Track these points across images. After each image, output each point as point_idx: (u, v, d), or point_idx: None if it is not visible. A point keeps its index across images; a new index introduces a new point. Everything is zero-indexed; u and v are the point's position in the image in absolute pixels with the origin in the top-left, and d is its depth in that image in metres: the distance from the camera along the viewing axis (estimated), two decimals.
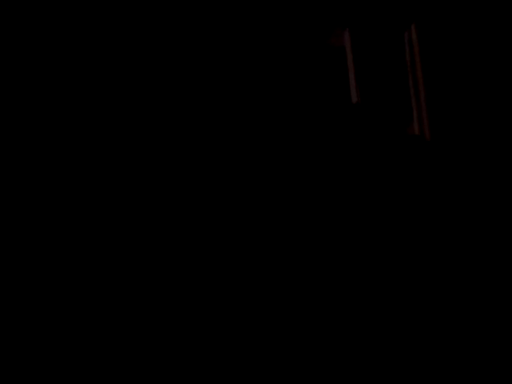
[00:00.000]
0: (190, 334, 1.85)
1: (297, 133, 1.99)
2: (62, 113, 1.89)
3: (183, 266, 1.89)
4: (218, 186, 1.93)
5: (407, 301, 1.92)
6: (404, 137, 2.00)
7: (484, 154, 1.99)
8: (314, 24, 2.04)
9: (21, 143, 1.86)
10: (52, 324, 1.81)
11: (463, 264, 1.94)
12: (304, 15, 2.03)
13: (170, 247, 1.89)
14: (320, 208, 1.96)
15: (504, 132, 2.00)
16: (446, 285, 1.92)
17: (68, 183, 1.87)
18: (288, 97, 2.00)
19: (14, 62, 1.87)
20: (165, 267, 1.88)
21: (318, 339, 1.88)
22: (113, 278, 1.86)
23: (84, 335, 1.81)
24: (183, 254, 1.89)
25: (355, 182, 1.98)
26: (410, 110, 2.03)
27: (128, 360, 1.82)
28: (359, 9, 2.05)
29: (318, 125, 2.00)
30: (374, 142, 2.01)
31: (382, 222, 1.95)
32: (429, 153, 1.99)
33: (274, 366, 1.85)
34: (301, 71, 2.02)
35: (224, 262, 1.90)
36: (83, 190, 1.87)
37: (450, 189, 1.97)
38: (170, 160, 1.92)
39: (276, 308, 1.89)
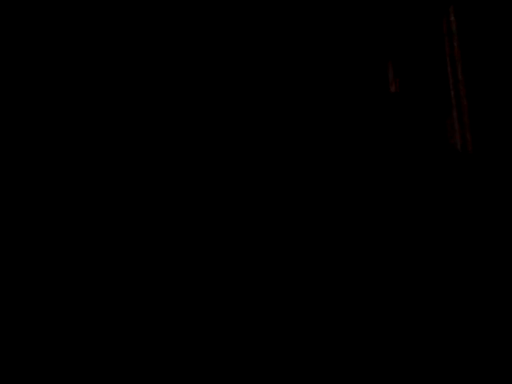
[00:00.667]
0: (190, 334, 1.84)
1: (333, 122, 2.00)
2: (62, 113, 1.89)
3: (183, 266, 1.88)
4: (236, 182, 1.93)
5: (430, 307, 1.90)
6: (446, 148, 1.99)
7: None
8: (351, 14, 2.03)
9: (21, 143, 1.85)
10: (52, 324, 1.81)
11: (500, 276, 1.91)
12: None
13: (170, 247, 1.88)
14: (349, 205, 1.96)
15: None
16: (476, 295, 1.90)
17: (68, 183, 1.86)
18: (326, 85, 2.01)
19: (14, 62, 1.87)
20: (165, 267, 1.87)
21: (318, 339, 1.86)
22: (113, 277, 1.84)
23: (84, 335, 1.80)
24: (183, 254, 1.88)
25: (389, 185, 1.99)
26: (451, 118, 1.97)
27: (128, 360, 1.80)
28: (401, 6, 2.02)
29: (356, 115, 2.01)
30: (414, 148, 2.00)
31: (418, 231, 1.95)
32: (470, 165, 1.96)
33: (274, 366, 1.83)
34: (340, 61, 2.03)
35: (224, 261, 1.89)
36: (83, 190, 1.87)
37: (491, 201, 1.95)
38: (176, 160, 1.92)
39: (276, 308, 1.88)
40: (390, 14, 2.05)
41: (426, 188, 1.97)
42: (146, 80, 1.91)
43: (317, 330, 1.86)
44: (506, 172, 1.93)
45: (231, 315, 1.85)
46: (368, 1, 2.04)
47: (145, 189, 1.88)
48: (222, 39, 1.97)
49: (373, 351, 1.85)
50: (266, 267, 1.89)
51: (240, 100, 1.97)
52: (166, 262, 1.85)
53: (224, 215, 1.89)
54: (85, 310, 1.80)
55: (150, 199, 1.87)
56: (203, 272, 1.86)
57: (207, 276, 1.86)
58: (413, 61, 2.06)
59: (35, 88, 1.86)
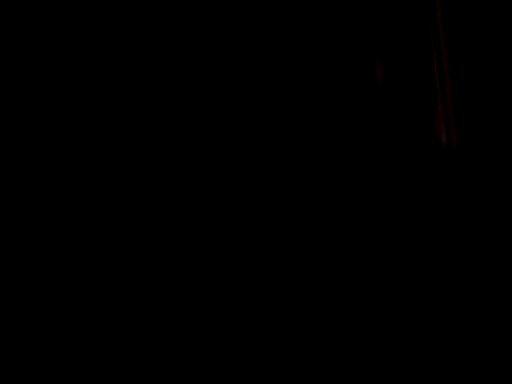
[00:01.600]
0: (190, 334, 1.84)
1: (320, 112, 1.99)
2: (62, 113, 1.84)
3: (183, 265, 1.87)
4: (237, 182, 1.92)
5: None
6: (430, 143, 2.02)
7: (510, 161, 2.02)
8: None
9: (21, 143, 1.81)
10: (52, 324, 1.79)
11: (487, 270, 1.96)
12: None
13: (170, 247, 1.87)
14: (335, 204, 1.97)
15: None
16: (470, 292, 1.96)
17: (68, 183, 1.83)
18: (315, 75, 2.00)
19: (15, 62, 1.80)
20: (165, 267, 1.86)
21: (318, 339, 1.90)
22: (113, 277, 1.83)
23: (84, 335, 1.79)
24: (183, 254, 1.87)
25: (374, 179, 2.00)
26: (436, 110, 2.00)
27: (128, 360, 1.81)
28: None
29: (343, 104, 2.01)
30: (399, 141, 2.03)
31: (404, 227, 1.97)
32: (455, 159, 2.02)
33: (274, 366, 1.86)
34: (327, 50, 2.01)
35: (224, 261, 1.89)
36: (83, 189, 1.83)
37: (476, 196, 2.00)
38: (176, 160, 1.90)
39: (276, 308, 1.89)
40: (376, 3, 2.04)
41: (410, 181, 2.00)
42: (146, 80, 1.88)
43: (317, 329, 1.89)
44: (490, 166, 1.98)
45: (231, 315, 1.86)
46: None
47: (145, 189, 1.86)
48: (216, 39, 1.94)
49: (373, 351, 1.89)
50: (266, 267, 1.90)
51: (226, 89, 1.95)
52: (165, 261, 1.85)
53: (224, 215, 1.89)
54: (85, 310, 1.80)
55: (149, 199, 1.86)
56: (203, 272, 1.87)
57: (207, 276, 1.87)
58: (399, 51, 2.06)
59: (35, 88, 1.82)
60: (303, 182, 1.95)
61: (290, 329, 1.88)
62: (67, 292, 1.79)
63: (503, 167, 1.99)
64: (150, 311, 1.82)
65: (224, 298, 1.86)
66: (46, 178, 1.80)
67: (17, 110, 1.79)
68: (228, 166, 1.91)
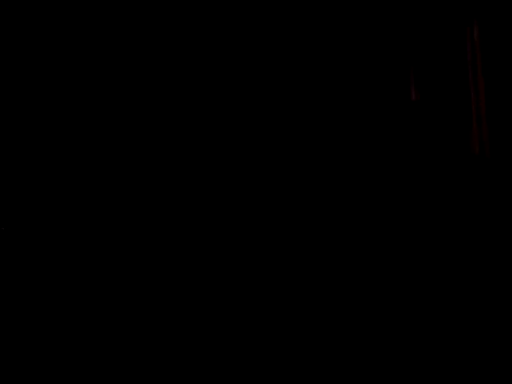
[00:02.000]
0: (190, 334, 1.84)
1: (355, 128, 2.00)
2: (62, 113, 1.92)
3: (183, 266, 1.88)
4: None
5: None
6: (463, 154, 1.99)
7: None
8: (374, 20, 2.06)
9: (21, 143, 1.88)
10: (52, 324, 1.82)
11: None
12: (365, 8, 2.05)
13: (170, 247, 1.89)
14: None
15: None
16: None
17: (68, 183, 1.89)
18: (350, 91, 2.02)
19: (15, 63, 1.91)
20: (165, 267, 1.88)
21: (318, 339, 1.85)
22: (113, 277, 1.85)
23: (84, 335, 1.81)
24: (183, 254, 1.89)
25: (410, 189, 1.98)
26: (470, 124, 1.96)
27: (128, 360, 1.80)
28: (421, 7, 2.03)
29: (377, 121, 2.02)
30: (433, 153, 2.00)
31: (437, 235, 1.94)
32: (488, 169, 1.95)
33: (274, 366, 1.82)
34: (362, 68, 2.04)
35: (224, 261, 1.89)
36: (83, 190, 1.88)
37: (508, 204, 1.93)
38: (176, 160, 1.94)
39: (276, 308, 1.88)
40: (413, 21, 2.06)
41: (444, 192, 1.95)
42: (146, 80, 1.94)
43: (317, 329, 1.85)
44: None
45: (231, 315, 1.85)
46: (391, 7, 2.06)
47: (145, 189, 1.89)
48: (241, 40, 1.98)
49: (373, 351, 1.83)
50: (265, 267, 1.89)
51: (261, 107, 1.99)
52: (165, 262, 1.87)
53: (224, 215, 1.90)
54: (85, 310, 1.82)
55: (149, 199, 1.89)
56: (203, 272, 1.87)
57: (207, 276, 1.87)
58: (433, 67, 2.06)
59: (35, 88, 1.90)
60: (339, 194, 1.95)
61: (290, 329, 1.84)
62: (67, 292, 1.82)
63: None
64: (150, 311, 1.83)
65: (224, 298, 1.85)
66: (45, 178, 1.87)
67: (17, 109, 1.88)
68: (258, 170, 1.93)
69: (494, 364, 1.78)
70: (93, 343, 1.80)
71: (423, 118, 2.03)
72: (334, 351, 1.83)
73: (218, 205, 1.91)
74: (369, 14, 2.05)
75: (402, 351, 1.83)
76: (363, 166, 1.98)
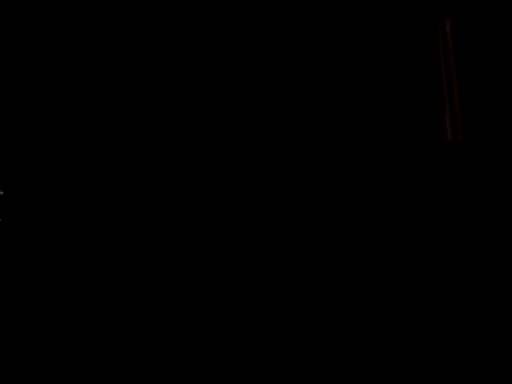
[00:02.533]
0: (189, 334, 1.86)
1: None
2: (62, 112, 1.90)
3: (183, 266, 1.89)
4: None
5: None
6: (436, 141, 2.00)
7: None
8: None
9: (21, 143, 1.87)
10: (52, 324, 1.83)
11: (492, 267, 1.92)
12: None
13: (170, 247, 1.89)
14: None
15: None
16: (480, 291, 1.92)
17: (68, 183, 1.88)
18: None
19: (15, 63, 1.88)
20: (165, 267, 1.89)
21: (318, 339, 1.88)
22: (112, 277, 1.86)
23: (84, 335, 1.83)
24: (183, 254, 1.89)
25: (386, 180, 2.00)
26: (443, 109, 1.98)
27: (128, 360, 1.83)
28: None
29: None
30: (406, 138, 2.03)
31: (414, 224, 1.96)
32: (462, 156, 1.98)
33: (274, 366, 1.86)
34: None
35: (224, 261, 1.90)
36: (83, 190, 1.88)
37: (482, 192, 1.97)
38: (176, 160, 1.93)
39: (276, 308, 1.90)
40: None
41: (417, 178, 1.97)
42: (146, 80, 1.93)
43: (317, 330, 1.89)
44: (496, 161, 1.94)
45: (231, 315, 1.88)
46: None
47: (144, 189, 1.90)
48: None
49: (373, 351, 1.88)
50: (265, 267, 1.92)
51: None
52: (165, 262, 1.88)
53: (224, 215, 1.92)
54: (84, 310, 1.84)
55: (149, 199, 1.90)
56: (203, 272, 1.89)
57: (207, 276, 1.89)
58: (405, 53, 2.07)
59: (35, 88, 1.88)
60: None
61: (290, 329, 1.88)
62: (67, 292, 1.83)
63: (507, 164, 1.95)
64: (150, 311, 1.85)
65: (224, 298, 1.88)
66: (45, 178, 1.86)
67: (17, 110, 1.87)
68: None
69: (494, 364, 1.85)
70: (92, 343, 1.82)
71: (396, 102, 2.04)
72: (334, 351, 1.88)
73: (217, 205, 1.92)
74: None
75: (401, 351, 1.89)
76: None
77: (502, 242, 1.92)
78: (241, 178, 1.95)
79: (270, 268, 1.91)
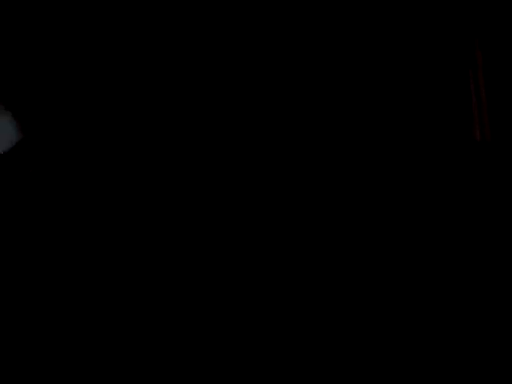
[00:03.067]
0: (189, 334, 1.83)
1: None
2: (62, 112, 1.91)
3: (183, 266, 1.87)
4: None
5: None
6: (465, 139, 1.97)
7: None
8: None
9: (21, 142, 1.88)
10: (52, 324, 1.81)
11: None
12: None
13: (170, 247, 1.88)
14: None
15: None
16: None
17: (67, 183, 1.89)
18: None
19: (15, 62, 1.90)
20: (165, 267, 1.87)
21: (318, 339, 1.84)
22: (113, 277, 1.85)
23: (84, 335, 1.81)
24: (183, 254, 1.88)
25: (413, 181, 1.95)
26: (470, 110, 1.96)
27: (128, 360, 1.80)
28: None
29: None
30: (433, 139, 1.98)
31: (442, 223, 1.91)
32: (490, 155, 1.95)
33: (274, 366, 1.82)
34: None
35: (224, 261, 1.88)
36: (83, 190, 1.88)
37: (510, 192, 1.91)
38: (176, 160, 1.92)
39: (276, 308, 1.86)
40: None
41: (445, 178, 1.94)
42: (146, 80, 1.94)
43: (317, 330, 1.85)
44: None
45: (231, 315, 1.85)
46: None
47: (144, 189, 1.90)
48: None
49: (373, 351, 1.83)
50: (265, 267, 1.88)
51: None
52: (165, 262, 1.87)
53: (224, 215, 1.90)
54: (85, 310, 1.83)
55: (149, 199, 1.90)
56: (203, 272, 1.87)
57: (207, 276, 1.87)
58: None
59: (36, 88, 1.90)
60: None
61: (290, 329, 1.83)
62: (67, 292, 1.82)
63: None
64: (150, 311, 1.83)
65: (224, 298, 1.85)
66: (45, 178, 1.86)
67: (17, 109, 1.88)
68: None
69: (494, 364, 1.79)
70: (92, 343, 1.80)
71: (423, 104, 2.01)
72: (334, 351, 1.83)
73: (217, 205, 1.91)
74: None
75: (401, 351, 1.83)
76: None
77: None
78: (247, 174, 1.92)
79: (270, 268, 1.88)
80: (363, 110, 1.98)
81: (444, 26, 2.02)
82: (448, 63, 2.01)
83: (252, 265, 1.87)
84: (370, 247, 1.89)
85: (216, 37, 1.96)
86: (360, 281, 1.87)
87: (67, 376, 1.77)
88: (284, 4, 1.98)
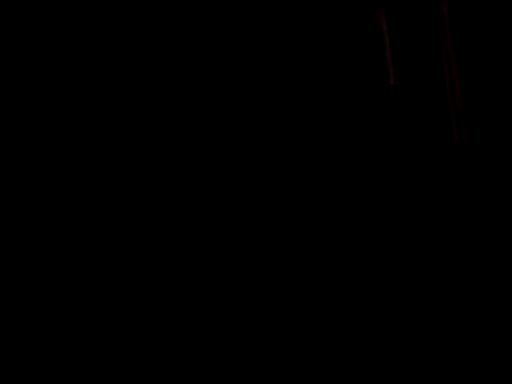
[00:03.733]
0: (189, 334, 1.84)
1: (333, 114, 1.99)
2: (62, 112, 1.85)
3: (183, 266, 1.87)
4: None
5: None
6: (442, 140, 2.01)
7: None
8: (351, 5, 2.03)
9: (21, 143, 1.82)
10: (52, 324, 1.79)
11: (492, 269, 1.92)
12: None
13: (170, 247, 1.87)
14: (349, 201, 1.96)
15: None
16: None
17: (67, 183, 1.84)
18: (326, 79, 2.00)
19: (15, 63, 1.83)
20: (165, 267, 1.86)
21: (318, 339, 1.87)
22: (113, 277, 1.84)
23: (84, 335, 1.80)
24: (183, 255, 1.87)
25: (388, 175, 1.99)
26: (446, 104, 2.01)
27: (128, 360, 1.80)
28: None
29: (356, 107, 2.01)
30: (411, 140, 2.02)
31: (416, 223, 1.96)
32: (467, 156, 1.99)
33: (274, 366, 1.84)
34: (339, 53, 2.02)
35: (224, 261, 1.88)
36: (83, 190, 1.85)
37: (488, 191, 1.97)
38: (176, 160, 1.90)
39: (276, 308, 1.88)
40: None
41: (423, 179, 1.98)
42: (146, 80, 1.90)
43: (317, 330, 1.88)
44: (502, 162, 1.96)
45: (231, 315, 1.86)
46: None
47: (144, 189, 1.87)
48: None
49: (373, 351, 1.87)
50: (265, 267, 1.89)
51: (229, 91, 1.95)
52: (165, 262, 1.86)
53: (224, 215, 1.89)
54: (85, 310, 1.81)
55: (149, 199, 1.87)
56: (203, 272, 1.87)
57: (207, 276, 1.87)
58: (410, 52, 2.07)
59: (35, 88, 1.84)
60: (310, 183, 1.95)
61: (290, 329, 1.86)
62: (67, 292, 1.80)
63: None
64: (150, 311, 1.82)
65: (224, 298, 1.86)
66: (45, 178, 1.82)
67: (16, 109, 1.82)
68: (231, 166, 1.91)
69: (494, 364, 1.85)
70: (92, 343, 1.79)
71: (400, 104, 2.04)
72: (334, 351, 1.86)
73: (217, 204, 1.90)
74: None
75: (401, 351, 1.88)
76: (339, 156, 1.98)
77: (505, 242, 1.94)
78: (249, 174, 1.93)
79: (269, 268, 1.90)
80: (341, 117, 2.00)
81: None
82: (424, 67, 2.05)
83: (252, 265, 1.88)
84: (356, 246, 1.93)
85: (216, 37, 1.94)
86: (347, 278, 1.91)
87: (67, 376, 1.76)
88: (284, 4, 1.97)
